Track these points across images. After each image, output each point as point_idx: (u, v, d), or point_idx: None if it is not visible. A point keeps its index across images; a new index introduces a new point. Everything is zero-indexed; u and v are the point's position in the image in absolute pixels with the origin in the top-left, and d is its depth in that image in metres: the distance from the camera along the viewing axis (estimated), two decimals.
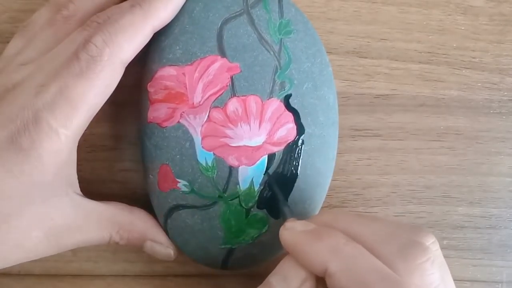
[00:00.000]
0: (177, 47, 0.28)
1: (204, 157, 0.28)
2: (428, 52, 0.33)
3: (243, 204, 0.29)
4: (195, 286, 0.32)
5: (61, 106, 0.24)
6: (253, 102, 0.28)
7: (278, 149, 0.29)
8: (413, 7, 0.33)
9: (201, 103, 0.28)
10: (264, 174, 0.29)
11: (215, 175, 0.28)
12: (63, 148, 0.25)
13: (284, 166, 0.29)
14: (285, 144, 0.29)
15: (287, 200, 0.29)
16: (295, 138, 0.29)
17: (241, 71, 0.28)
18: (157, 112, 0.28)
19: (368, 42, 0.33)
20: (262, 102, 0.28)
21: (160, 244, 0.29)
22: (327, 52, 0.32)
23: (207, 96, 0.28)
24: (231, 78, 0.28)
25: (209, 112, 0.28)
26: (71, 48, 0.25)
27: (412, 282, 0.22)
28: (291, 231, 0.25)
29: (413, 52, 0.33)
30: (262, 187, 0.29)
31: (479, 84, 0.34)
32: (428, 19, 0.33)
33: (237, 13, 0.28)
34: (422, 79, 0.33)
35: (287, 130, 0.29)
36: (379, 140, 0.33)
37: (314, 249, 0.23)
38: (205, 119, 0.28)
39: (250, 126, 0.28)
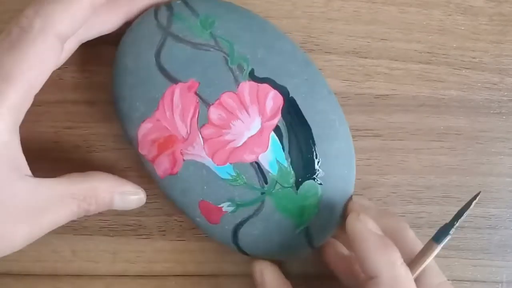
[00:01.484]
0: (137, 103, 0.28)
1: (225, 172, 0.28)
2: (428, 52, 0.33)
3: (285, 185, 0.28)
4: (195, 286, 0.32)
5: None
6: (228, 99, 0.28)
7: (277, 119, 0.28)
8: (413, 7, 0.33)
9: (189, 132, 0.28)
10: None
11: (245, 180, 0.28)
12: (0, 127, 0.24)
13: (292, 127, 0.28)
14: (280, 111, 0.28)
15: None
16: (284, 100, 0.28)
17: (199, 83, 0.28)
18: (162, 166, 0.28)
19: (368, 42, 0.33)
20: (235, 93, 0.28)
21: (129, 192, 0.29)
22: (326, 52, 0.33)
23: (189, 122, 0.28)
24: (196, 94, 0.28)
25: (200, 133, 0.28)
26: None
27: None
28: (363, 226, 0.26)
29: (413, 52, 0.33)
30: (290, 159, 0.28)
31: (479, 84, 0.34)
32: (428, 19, 0.33)
33: (162, 40, 0.28)
34: (422, 79, 0.33)
35: (273, 99, 0.28)
36: (379, 140, 0.33)
37: (377, 254, 0.25)
38: (202, 141, 0.28)
39: (240, 119, 0.28)
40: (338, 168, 0.29)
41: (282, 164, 0.28)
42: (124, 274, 0.32)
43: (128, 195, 0.29)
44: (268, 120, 0.28)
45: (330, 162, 0.29)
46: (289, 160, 0.28)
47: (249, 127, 0.28)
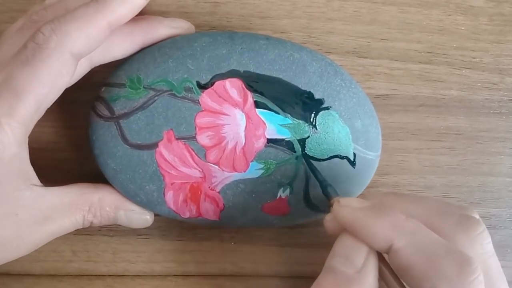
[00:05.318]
0: (146, 187, 0.29)
1: (255, 170, 0.29)
2: (428, 52, 0.33)
3: (305, 135, 0.28)
4: (195, 286, 0.32)
5: (5, 95, 0.24)
6: (202, 119, 0.28)
7: (251, 96, 0.28)
8: (413, 7, 0.33)
9: (201, 169, 0.28)
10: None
11: (275, 161, 0.28)
12: (10, 140, 0.24)
13: (264, 91, 0.28)
14: (246, 90, 0.28)
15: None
16: (240, 79, 0.28)
17: (172, 129, 0.28)
18: (210, 211, 0.29)
19: (368, 42, 0.33)
20: (203, 110, 0.28)
21: (135, 211, 0.29)
22: (326, 52, 0.33)
23: (194, 164, 0.28)
24: (177, 138, 0.28)
25: (209, 162, 0.28)
26: (24, 41, 0.25)
27: (474, 252, 0.23)
28: (349, 208, 0.24)
29: (413, 52, 0.33)
30: (289, 114, 0.28)
31: (479, 84, 0.34)
32: (428, 19, 0.33)
33: (118, 127, 0.28)
34: (422, 79, 0.33)
35: (232, 87, 0.28)
36: None
37: (376, 225, 0.23)
38: (216, 166, 0.28)
39: (226, 124, 0.28)
40: (334, 86, 0.29)
41: (287, 124, 0.28)
42: (124, 274, 0.32)
43: (133, 214, 0.29)
44: (245, 104, 0.28)
45: (322, 86, 0.28)
46: (289, 115, 0.28)
47: (237, 124, 0.28)
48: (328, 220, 0.26)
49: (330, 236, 0.26)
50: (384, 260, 0.24)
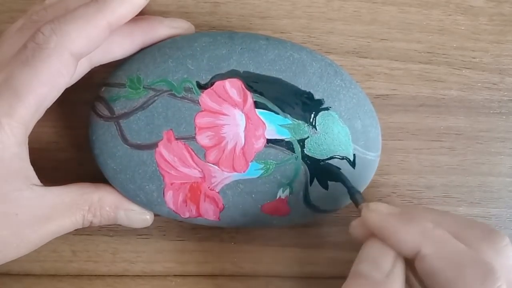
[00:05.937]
0: (146, 187, 0.29)
1: (254, 171, 0.28)
2: (428, 52, 0.33)
3: (305, 136, 0.28)
4: (195, 286, 0.33)
5: (5, 95, 0.24)
6: (202, 119, 0.28)
7: (250, 97, 0.28)
8: (413, 7, 0.33)
9: (201, 169, 0.28)
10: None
11: (275, 161, 0.28)
12: (10, 140, 0.24)
13: (264, 91, 0.28)
14: (245, 90, 0.28)
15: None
16: (240, 80, 0.28)
17: (172, 129, 0.28)
18: (210, 211, 0.29)
19: (368, 42, 0.33)
20: (203, 110, 0.28)
21: (135, 211, 0.29)
22: (326, 52, 0.33)
23: (193, 164, 0.28)
24: (177, 139, 0.28)
25: (209, 162, 0.28)
26: (24, 41, 0.25)
27: (499, 263, 0.23)
28: (378, 213, 0.25)
29: (413, 52, 0.33)
30: (288, 114, 0.28)
31: (479, 84, 0.34)
32: (428, 19, 0.33)
33: (117, 127, 0.28)
34: (422, 79, 0.33)
35: (232, 87, 0.28)
36: None
37: (405, 231, 0.24)
38: (215, 166, 0.28)
39: (225, 124, 0.28)
40: (333, 86, 0.29)
41: (287, 124, 0.28)
42: (124, 274, 0.32)
43: (133, 213, 0.29)
44: (245, 104, 0.28)
45: (322, 86, 0.28)
46: (288, 115, 0.28)
47: (237, 124, 0.28)
48: (354, 226, 0.26)
49: (355, 242, 0.26)
50: (411, 267, 0.25)
